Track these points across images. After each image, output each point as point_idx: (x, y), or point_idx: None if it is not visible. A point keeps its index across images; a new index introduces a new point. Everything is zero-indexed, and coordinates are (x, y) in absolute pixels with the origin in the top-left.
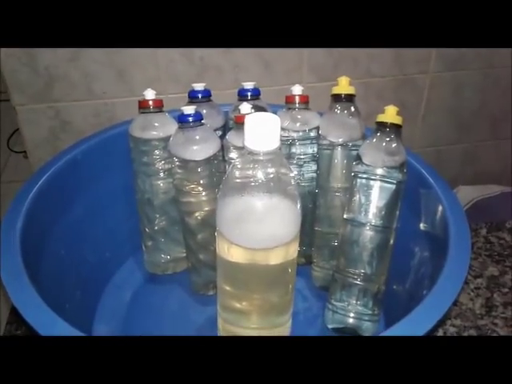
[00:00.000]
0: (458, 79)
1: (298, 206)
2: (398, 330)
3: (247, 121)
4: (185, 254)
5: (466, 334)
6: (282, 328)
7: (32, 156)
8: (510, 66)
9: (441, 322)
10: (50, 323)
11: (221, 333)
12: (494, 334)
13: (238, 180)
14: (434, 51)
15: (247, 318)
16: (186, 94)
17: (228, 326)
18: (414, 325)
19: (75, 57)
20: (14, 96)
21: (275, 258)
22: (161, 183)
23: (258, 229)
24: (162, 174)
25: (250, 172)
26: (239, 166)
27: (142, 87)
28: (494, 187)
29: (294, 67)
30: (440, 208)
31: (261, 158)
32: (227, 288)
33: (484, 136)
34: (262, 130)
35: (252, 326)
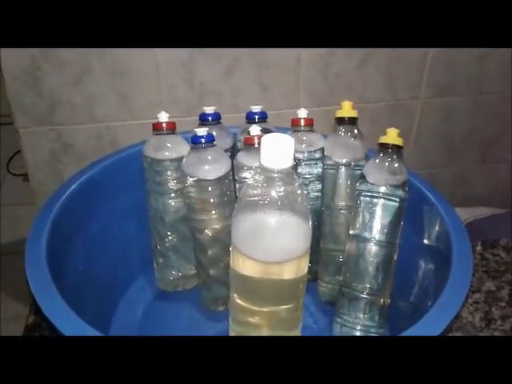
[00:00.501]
0: (448, 105)
1: (309, 221)
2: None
3: (264, 141)
4: (194, 271)
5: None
6: None
7: (33, 178)
8: (498, 92)
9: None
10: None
11: None
12: None
13: (252, 197)
14: (425, 77)
15: (258, 333)
16: (186, 119)
17: None
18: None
19: (79, 80)
20: (17, 118)
21: (288, 272)
22: (172, 202)
23: (272, 243)
24: (173, 194)
25: (264, 189)
26: (254, 184)
27: (143, 111)
28: (484, 209)
29: (291, 91)
30: (441, 223)
31: (275, 175)
32: (240, 302)
33: (473, 160)
34: (278, 149)
35: None
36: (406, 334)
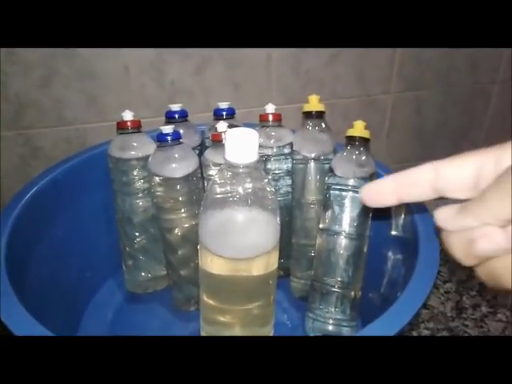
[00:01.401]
0: (418, 98)
1: (277, 216)
2: (371, 331)
3: (228, 135)
4: (165, 272)
5: (439, 335)
6: None
7: (2, 184)
8: (466, 85)
9: (412, 322)
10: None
11: None
12: (466, 335)
13: (218, 194)
14: (395, 71)
15: (230, 331)
16: (158, 119)
17: None
18: (384, 326)
19: (46, 83)
20: None
21: (257, 269)
22: (140, 202)
23: (240, 240)
24: (141, 193)
25: (230, 186)
26: (219, 181)
27: (113, 112)
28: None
29: (263, 89)
30: (407, 212)
31: (241, 170)
32: (210, 301)
33: (446, 152)
34: (242, 144)
35: None
36: (373, 324)
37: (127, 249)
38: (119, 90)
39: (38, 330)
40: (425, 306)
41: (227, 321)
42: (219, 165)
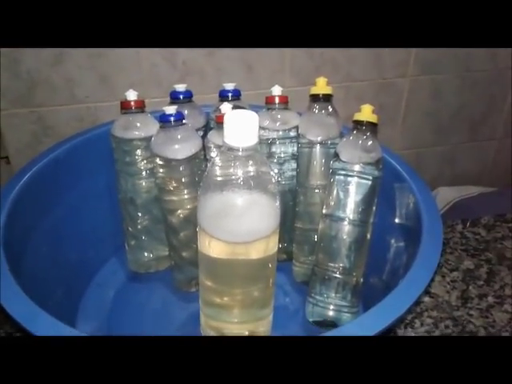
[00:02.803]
0: (436, 83)
1: (277, 201)
2: (369, 318)
3: (227, 118)
4: (167, 253)
5: (442, 324)
6: (264, 322)
7: (14, 161)
8: (486, 70)
9: (413, 312)
10: (33, 316)
11: (203, 328)
12: (470, 325)
13: (218, 177)
14: (413, 55)
15: (229, 313)
16: (169, 99)
17: (210, 322)
18: (384, 312)
19: (57, 61)
20: None
21: (255, 253)
22: (143, 182)
23: (238, 223)
24: (144, 174)
25: (230, 169)
26: (219, 163)
27: (124, 91)
28: (473, 188)
29: (276, 71)
30: (413, 200)
31: (240, 154)
32: (209, 283)
33: (462, 138)
34: (241, 127)
35: (234, 321)
36: (373, 310)
37: (130, 229)
38: (130, 69)
39: (33, 310)
40: (429, 294)
41: (226, 303)
42: (221, 147)
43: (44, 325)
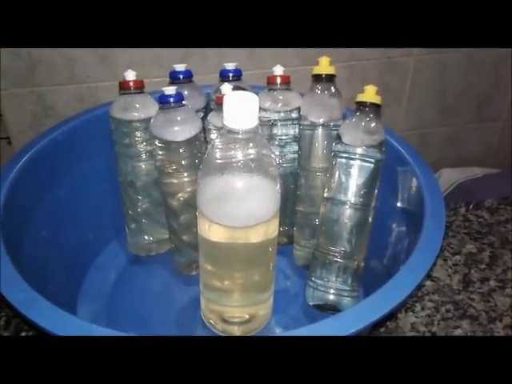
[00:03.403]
0: (441, 62)
1: (278, 185)
2: (372, 302)
3: (226, 100)
4: (168, 236)
5: (443, 308)
6: (264, 305)
7: (16, 142)
8: (493, 49)
9: (414, 296)
10: (30, 301)
11: (203, 312)
12: (471, 309)
13: (217, 159)
14: None
15: (229, 296)
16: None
17: (211, 305)
18: (386, 298)
19: None
20: None
21: (255, 237)
22: (143, 165)
23: (238, 207)
24: (143, 156)
25: (230, 151)
26: (219, 146)
27: (125, 71)
28: (477, 169)
29: (278, 50)
30: (416, 184)
31: (240, 136)
32: (209, 267)
33: (468, 119)
34: (241, 109)
35: (234, 304)
36: (374, 295)
37: (130, 212)
38: (131, 49)
39: (31, 295)
40: (430, 278)
41: (226, 287)
42: (221, 129)
43: (42, 310)
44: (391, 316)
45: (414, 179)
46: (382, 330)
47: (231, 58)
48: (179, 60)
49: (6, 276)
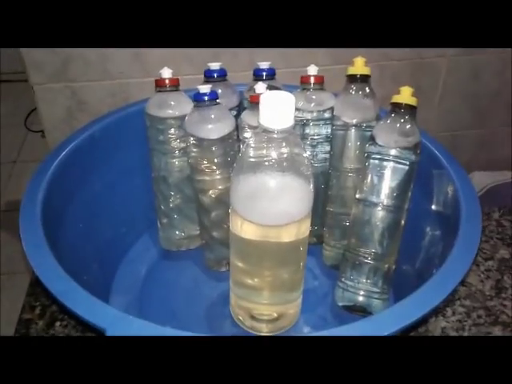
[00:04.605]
0: (475, 63)
1: (311, 185)
2: (406, 306)
3: (263, 99)
4: (199, 232)
5: (474, 314)
6: (293, 304)
7: (49, 135)
8: None
9: (446, 301)
10: (71, 292)
11: (233, 308)
12: (503, 315)
13: (252, 158)
14: None
15: (259, 294)
16: (201, 76)
17: (240, 302)
18: (420, 302)
19: None
20: (31, 75)
21: (287, 236)
22: (176, 161)
23: (271, 206)
24: (177, 153)
25: (264, 150)
26: (253, 145)
27: (157, 68)
28: (508, 173)
29: (308, 49)
30: (452, 188)
31: (275, 136)
32: (240, 264)
33: (500, 122)
34: (277, 108)
35: (263, 302)
36: (408, 299)
37: (162, 207)
38: None
39: (70, 284)
40: (462, 283)
41: (256, 284)
42: (255, 128)
43: (79, 300)
44: (424, 321)
45: (450, 183)
46: (412, 334)
47: (262, 56)
48: (210, 57)
49: (48, 267)
